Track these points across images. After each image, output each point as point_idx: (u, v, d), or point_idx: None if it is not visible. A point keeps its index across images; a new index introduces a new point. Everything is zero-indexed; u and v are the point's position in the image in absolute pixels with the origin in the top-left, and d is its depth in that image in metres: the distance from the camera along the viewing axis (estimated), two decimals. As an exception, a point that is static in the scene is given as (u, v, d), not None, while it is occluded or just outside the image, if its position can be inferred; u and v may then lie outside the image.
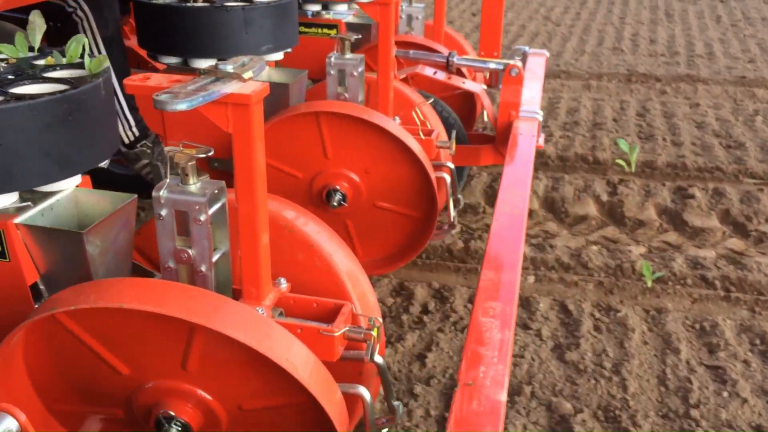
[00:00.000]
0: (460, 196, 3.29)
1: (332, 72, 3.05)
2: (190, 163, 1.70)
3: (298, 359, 1.61)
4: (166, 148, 1.69)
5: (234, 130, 1.63)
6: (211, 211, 1.72)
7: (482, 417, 1.57)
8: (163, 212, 1.71)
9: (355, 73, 3.03)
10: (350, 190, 3.03)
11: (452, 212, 3.12)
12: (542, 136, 3.69)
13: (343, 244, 2.21)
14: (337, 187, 3.02)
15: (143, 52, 3.10)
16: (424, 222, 3.04)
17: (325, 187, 3.04)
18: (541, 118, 3.63)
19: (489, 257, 2.28)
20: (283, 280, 1.87)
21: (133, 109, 3.05)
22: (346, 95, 3.06)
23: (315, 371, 1.64)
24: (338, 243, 2.19)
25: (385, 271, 3.19)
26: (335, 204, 3.02)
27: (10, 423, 1.19)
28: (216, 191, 1.75)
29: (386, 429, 1.90)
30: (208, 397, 1.68)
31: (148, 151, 3.11)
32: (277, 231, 2.06)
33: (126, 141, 3.09)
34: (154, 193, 1.70)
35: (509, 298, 2.04)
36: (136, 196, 1.95)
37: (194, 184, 1.71)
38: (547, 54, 4.74)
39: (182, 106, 1.46)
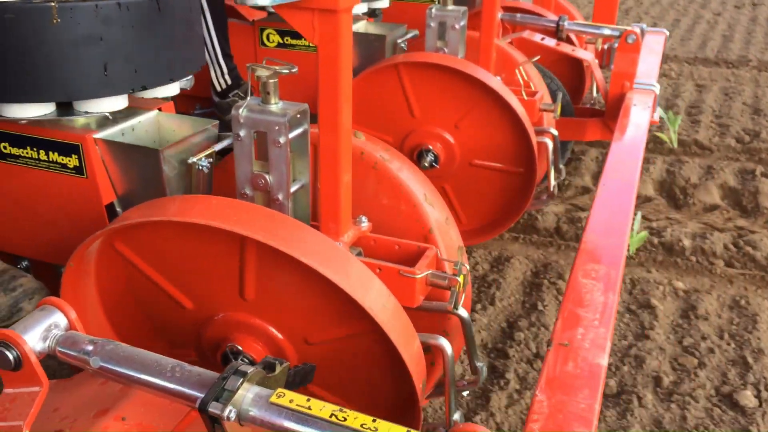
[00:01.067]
0: (562, 167, 3.05)
1: (432, 24, 2.89)
2: (272, 80, 1.58)
3: (376, 298, 1.46)
4: (248, 65, 1.57)
5: (319, 42, 1.49)
6: (292, 135, 1.59)
7: (579, 379, 1.37)
8: (242, 132, 1.60)
9: (457, 26, 2.85)
10: (443, 149, 2.85)
11: (552, 181, 2.89)
12: (658, 110, 3.38)
13: (437, 195, 2.03)
14: (429, 147, 2.85)
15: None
16: (524, 178, 2.81)
17: (415, 149, 2.87)
18: (658, 91, 3.32)
19: (593, 221, 2.05)
20: (364, 219, 1.73)
21: (227, 57, 3.00)
22: (446, 50, 2.88)
23: (393, 313, 1.49)
24: (432, 192, 2.02)
25: (486, 237, 2.98)
26: (426, 165, 2.85)
27: (59, 318, 1.10)
28: (298, 115, 1.62)
29: (467, 391, 1.72)
30: (275, 331, 1.56)
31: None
32: (363, 169, 1.92)
33: (219, 89, 3.05)
34: (233, 112, 1.59)
35: (615, 262, 1.81)
36: (217, 121, 1.86)
37: (275, 104, 1.59)
38: (666, 33, 4.39)
39: (264, 2, 1.34)
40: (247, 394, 0.95)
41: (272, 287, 1.51)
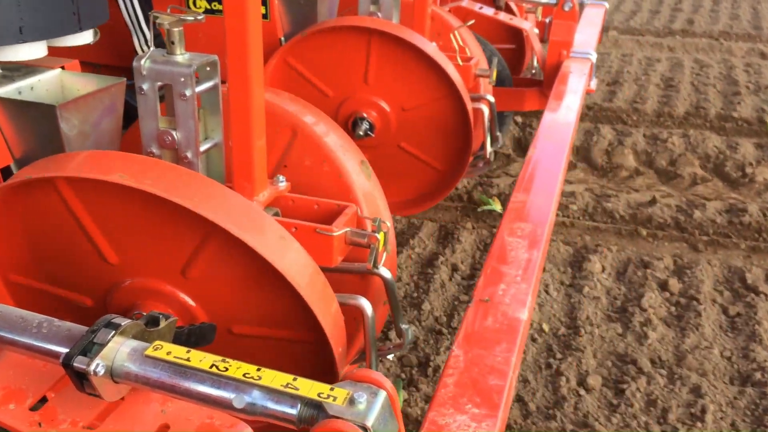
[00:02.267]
0: (499, 134, 3.01)
1: (365, -12, 2.80)
2: (176, 29, 1.48)
3: (292, 259, 1.39)
4: (150, 12, 1.46)
5: (224, -15, 1.40)
6: (200, 88, 1.50)
7: (498, 334, 1.33)
8: (145, 85, 1.50)
9: (391, -9, 2.77)
10: (380, 122, 2.77)
11: (488, 148, 2.85)
12: (594, 80, 3.38)
13: (364, 161, 1.96)
14: (365, 116, 2.78)
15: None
16: (446, 176, 2.79)
17: (354, 113, 2.79)
18: (594, 60, 3.32)
19: (522, 181, 2.01)
20: (281, 178, 1.64)
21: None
22: (379, 14, 2.81)
23: (309, 273, 1.41)
24: (357, 156, 1.95)
25: (426, 206, 2.94)
26: (361, 133, 2.78)
27: None
28: (207, 67, 1.53)
29: (392, 355, 1.67)
30: (189, 299, 1.47)
31: None
32: (286, 129, 1.83)
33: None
34: (134, 63, 1.49)
35: (541, 220, 1.78)
36: (125, 79, 1.75)
37: (181, 55, 1.49)
38: (606, 5, 4.40)
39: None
40: (120, 348, 0.87)
41: (179, 249, 1.42)
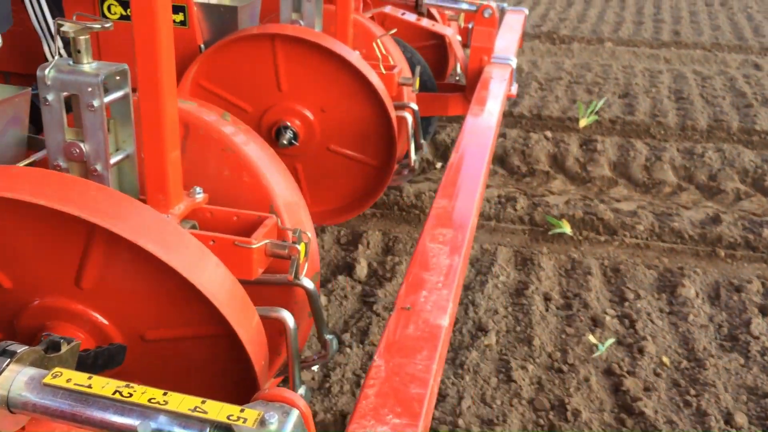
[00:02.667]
0: (423, 141, 3.04)
1: (287, -5, 2.78)
2: (82, 37, 1.42)
3: (207, 272, 1.35)
4: (55, 19, 1.40)
5: (131, -9, 1.36)
6: (108, 98, 1.45)
7: (419, 341, 1.33)
8: (50, 96, 1.43)
9: (312, -2, 2.75)
10: (303, 129, 2.76)
11: (413, 156, 2.87)
12: (515, 85, 3.45)
13: (283, 169, 1.94)
14: (288, 124, 2.75)
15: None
16: (380, 171, 2.79)
17: (275, 124, 2.77)
18: (514, 65, 3.39)
19: (444, 186, 2.03)
20: (198, 189, 1.61)
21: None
22: (302, 22, 2.79)
23: (227, 287, 1.38)
24: (278, 166, 1.92)
25: (335, 221, 2.93)
26: (285, 143, 2.75)
27: None
28: (117, 76, 1.47)
29: (317, 366, 1.65)
30: (101, 318, 1.41)
31: None
32: (202, 140, 1.79)
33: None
34: (38, 73, 1.42)
35: (462, 225, 1.80)
36: (29, 89, 1.67)
37: (88, 64, 1.44)
38: (526, 12, 4.51)
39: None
40: (17, 376, 0.83)
41: (109, 272, 1.36)
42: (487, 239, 3.26)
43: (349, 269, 2.98)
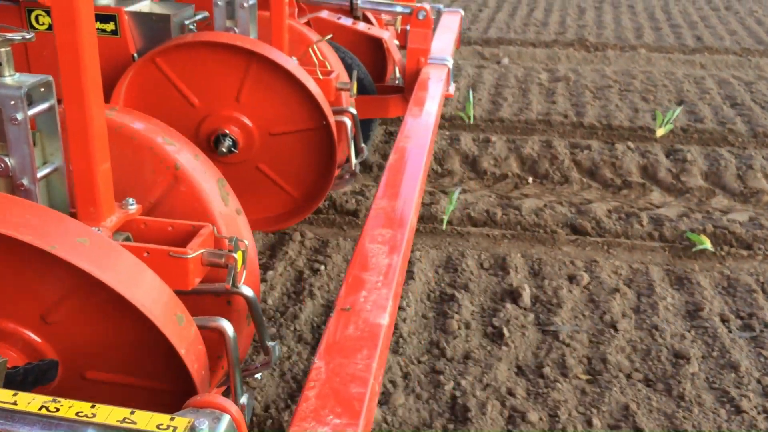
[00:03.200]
0: (364, 145, 3.05)
1: (219, 3, 2.76)
2: (3, 49, 1.39)
3: (140, 285, 1.33)
4: (-28, 32, 1.37)
5: (52, 1, 1.33)
6: (33, 111, 1.42)
7: (359, 341, 1.34)
8: (-30, 110, 1.39)
9: (246, 5, 2.74)
10: (242, 138, 2.73)
11: (354, 160, 2.88)
12: (453, 85, 3.50)
13: (222, 181, 1.92)
14: (226, 132, 2.73)
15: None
16: (325, 158, 2.78)
17: (214, 132, 2.74)
18: (451, 66, 3.44)
19: (383, 187, 2.05)
20: (131, 200, 1.58)
21: None
22: (236, 29, 2.77)
23: (163, 300, 1.36)
24: (214, 174, 1.90)
25: (305, 213, 2.91)
26: (224, 150, 2.73)
27: None
28: (41, 88, 1.44)
29: (260, 374, 1.64)
30: (33, 336, 1.38)
31: None
32: (134, 149, 1.76)
33: None
34: (-43, 87, 1.38)
35: (401, 225, 1.82)
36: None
37: (10, 76, 1.41)
38: (462, 13, 4.58)
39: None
40: (-63, 397, 0.80)
41: (21, 285, 1.33)
42: (629, 258, 3.15)
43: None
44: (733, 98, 5.16)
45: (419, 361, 2.42)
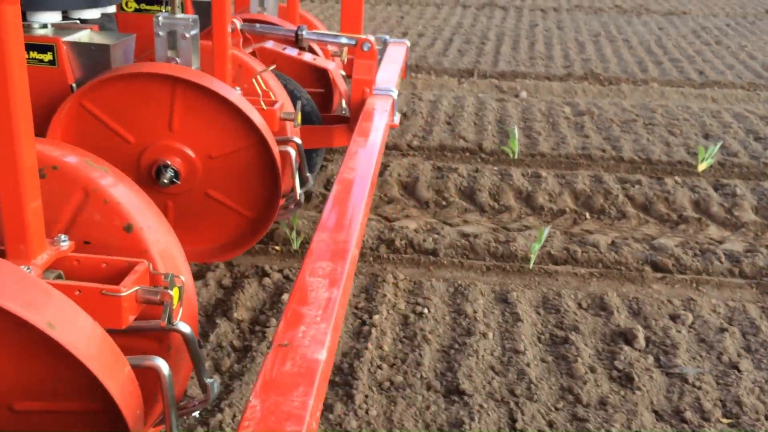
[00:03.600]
0: (309, 174, 3.06)
1: (161, 33, 2.75)
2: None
3: (70, 325, 1.30)
4: None
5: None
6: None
7: (296, 378, 1.33)
8: None
9: (188, 35, 2.74)
10: (184, 168, 2.71)
11: (298, 190, 2.88)
12: (397, 115, 3.55)
13: (156, 211, 1.89)
14: (169, 163, 2.70)
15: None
16: (269, 188, 2.77)
17: (155, 162, 2.71)
18: (396, 96, 3.49)
19: (324, 220, 2.05)
20: (63, 237, 1.55)
21: None
22: (178, 60, 2.76)
23: (94, 340, 1.33)
24: (150, 208, 1.88)
25: (237, 251, 2.88)
26: (166, 182, 2.70)
27: None
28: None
29: (197, 412, 1.61)
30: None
31: None
32: (67, 183, 1.73)
33: None
34: None
35: (342, 257, 1.82)
36: None
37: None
38: (408, 43, 4.65)
39: None
40: None
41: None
42: (719, 295, 3.12)
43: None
44: (755, 132, 5.23)
45: (557, 408, 2.37)
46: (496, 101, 5.80)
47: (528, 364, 2.56)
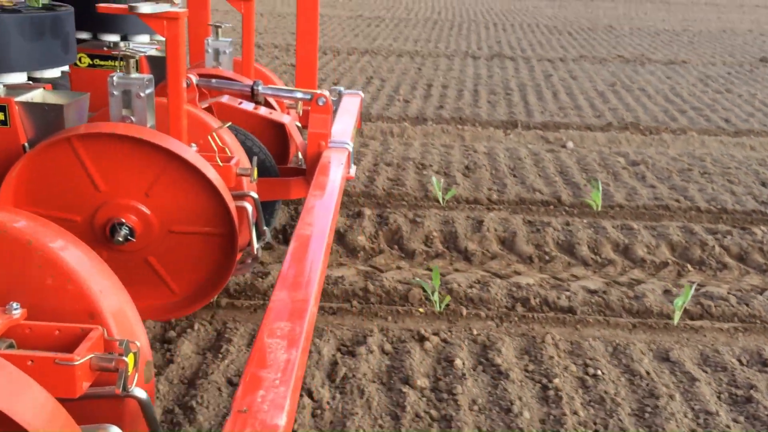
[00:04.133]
0: (266, 228, 3.07)
1: (115, 93, 2.75)
2: None
3: (22, 397, 1.28)
4: None
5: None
6: None
7: (254, 445, 1.32)
8: None
9: (142, 94, 2.75)
10: (139, 222, 2.71)
11: (255, 244, 2.88)
12: (354, 167, 3.59)
13: (109, 273, 1.88)
14: (123, 221, 2.69)
15: None
16: (226, 243, 2.78)
17: (107, 223, 2.70)
18: (351, 149, 3.53)
19: (283, 277, 2.06)
20: (15, 305, 1.52)
21: None
22: (133, 119, 2.76)
23: (46, 412, 1.31)
24: (103, 270, 1.86)
25: (202, 303, 2.86)
26: (121, 239, 2.68)
27: None
28: None
29: (154, 481, 1.58)
30: None
31: None
32: (16, 249, 1.71)
33: None
34: None
35: (300, 317, 1.82)
36: None
37: None
38: (362, 95, 4.74)
39: None
40: None
41: None
42: None
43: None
44: (763, 175, 5.46)
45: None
46: (548, 152, 5.93)
47: (728, 426, 2.57)
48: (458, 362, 2.88)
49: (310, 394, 2.61)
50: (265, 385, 1.51)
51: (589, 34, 13.15)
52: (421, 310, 3.32)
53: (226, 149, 2.99)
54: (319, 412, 2.53)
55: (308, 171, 3.47)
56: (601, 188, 4.70)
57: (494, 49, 11.08)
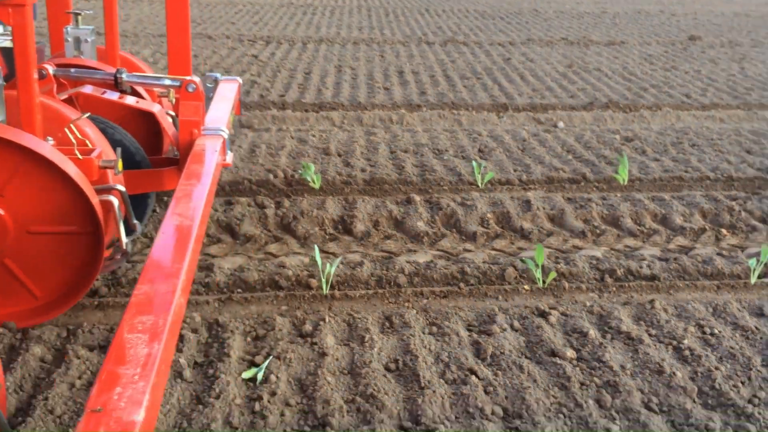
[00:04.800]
0: (136, 221, 2.95)
1: (-45, 86, 2.55)
2: None
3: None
4: None
5: None
6: None
7: (108, 445, 1.27)
8: None
9: (-13, 87, 2.56)
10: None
11: (124, 239, 2.76)
12: (230, 154, 3.51)
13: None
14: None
15: None
16: (92, 239, 2.65)
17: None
18: (226, 136, 3.45)
19: (147, 270, 1.99)
20: None
21: None
22: (-21, 113, 2.57)
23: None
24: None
25: (64, 308, 2.71)
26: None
27: None
28: None
29: None
30: None
31: None
32: None
33: None
34: None
35: (164, 309, 1.77)
36: None
37: None
38: (240, 80, 4.63)
39: None
40: None
41: None
42: None
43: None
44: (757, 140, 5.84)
45: None
46: (545, 132, 6.05)
47: None
48: (592, 333, 2.98)
49: (473, 372, 2.67)
50: (123, 382, 1.45)
51: (519, 19, 13.36)
52: (526, 287, 3.40)
53: (87, 142, 2.84)
54: (491, 389, 2.59)
55: (181, 160, 3.36)
56: (627, 163, 4.88)
57: (447, 35, 11.09)
